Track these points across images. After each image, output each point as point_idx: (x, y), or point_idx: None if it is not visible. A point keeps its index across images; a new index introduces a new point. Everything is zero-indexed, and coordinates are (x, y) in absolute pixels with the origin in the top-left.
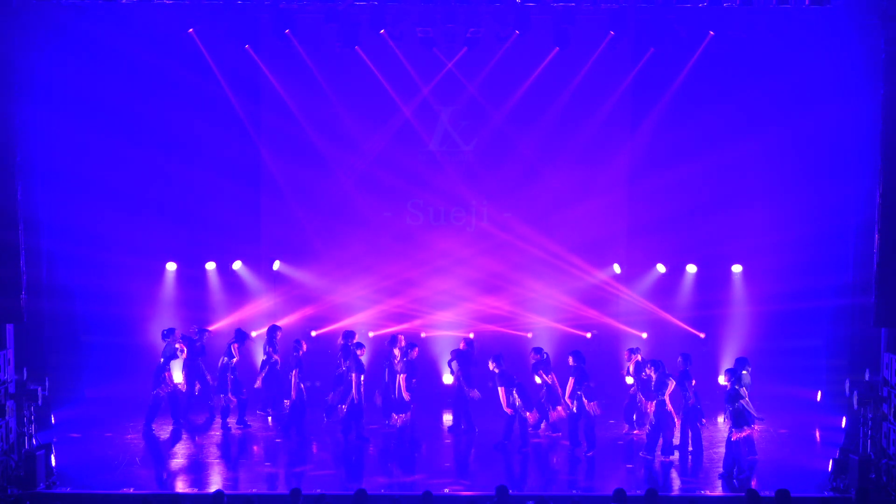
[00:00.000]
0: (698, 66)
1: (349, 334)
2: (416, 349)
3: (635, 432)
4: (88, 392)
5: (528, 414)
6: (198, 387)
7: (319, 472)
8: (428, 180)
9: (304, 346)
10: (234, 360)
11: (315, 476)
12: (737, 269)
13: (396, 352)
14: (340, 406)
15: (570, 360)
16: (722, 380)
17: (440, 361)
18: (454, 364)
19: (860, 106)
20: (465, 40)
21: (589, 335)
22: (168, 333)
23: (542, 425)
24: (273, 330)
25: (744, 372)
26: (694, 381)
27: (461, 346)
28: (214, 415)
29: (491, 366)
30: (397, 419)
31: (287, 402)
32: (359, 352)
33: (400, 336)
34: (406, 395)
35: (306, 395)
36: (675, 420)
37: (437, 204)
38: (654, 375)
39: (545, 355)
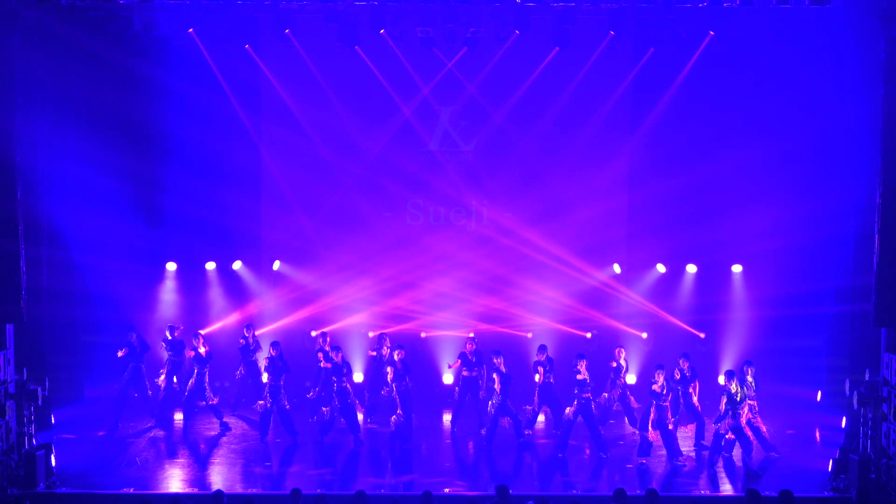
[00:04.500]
0: (698, 67)
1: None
2: (401, 351)
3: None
4: (88, 392)
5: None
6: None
7: (319, 472)
8: (428, 181)
9: (273, 352)
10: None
11: (315, 476)
12: (737, 268)
13: (386, 351)
14: (323, 409)
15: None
16: (723, 380)
17: (440, 361)
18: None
19: (860, 106)
20: (465, 40)
21: (589, 335)
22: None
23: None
24: (249, 328)
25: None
26: (697, 383)
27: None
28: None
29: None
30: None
31: (260, 403)
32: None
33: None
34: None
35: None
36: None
37: (437, 204)
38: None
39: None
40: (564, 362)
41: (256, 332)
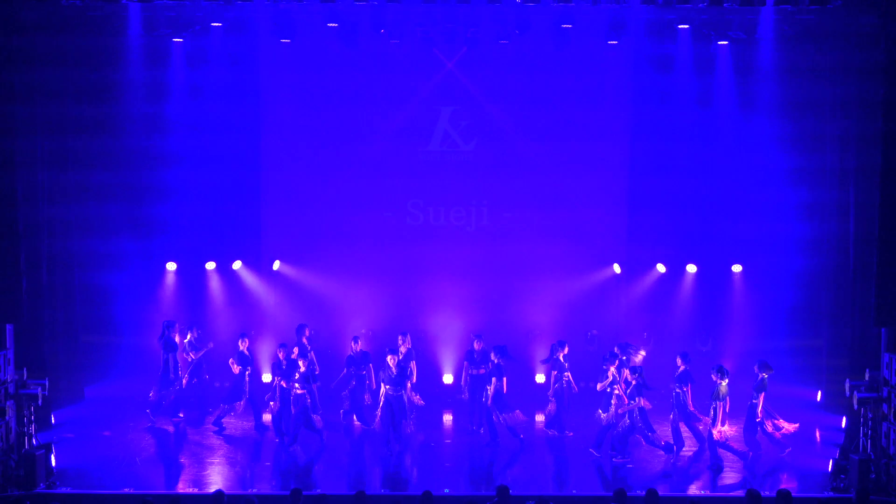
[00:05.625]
0: (698, 66)
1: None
2: (394, 357)
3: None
4: (88, 392)
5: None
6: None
7: (320, 472)
8: (428, 181)
9: (281, 353)
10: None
11: (316, 476)
12: (737, 268)
13: (390, 360)
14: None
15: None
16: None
17: (440, 361)
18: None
19: (861, 105)
20: (465, 40)
21: (589, 335)
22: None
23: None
24: (301, 328)
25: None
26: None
27: (476, 345)
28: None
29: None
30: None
31: (273, 403)
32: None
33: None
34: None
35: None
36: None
37: (437, 204)
38: (633, 380)
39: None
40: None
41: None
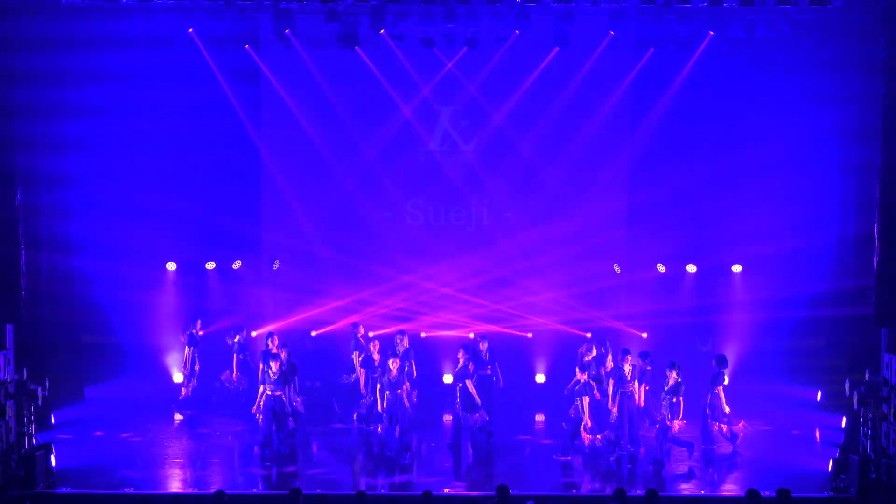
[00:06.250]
0: (698, 67)
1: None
2: (395, 360)
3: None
4: (88, 392)
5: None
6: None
7: (320, 471)
8: (428, 180)
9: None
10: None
11: (316, 476)
12: (737, 268)
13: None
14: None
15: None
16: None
17: (441, 361)
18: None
19: (860, 106)
20: (465, 40)
21: (589, 335)
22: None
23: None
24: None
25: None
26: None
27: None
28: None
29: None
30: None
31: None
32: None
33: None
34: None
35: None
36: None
37: (437, 204)
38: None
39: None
40: (565, 362)
41: (254, 334)
